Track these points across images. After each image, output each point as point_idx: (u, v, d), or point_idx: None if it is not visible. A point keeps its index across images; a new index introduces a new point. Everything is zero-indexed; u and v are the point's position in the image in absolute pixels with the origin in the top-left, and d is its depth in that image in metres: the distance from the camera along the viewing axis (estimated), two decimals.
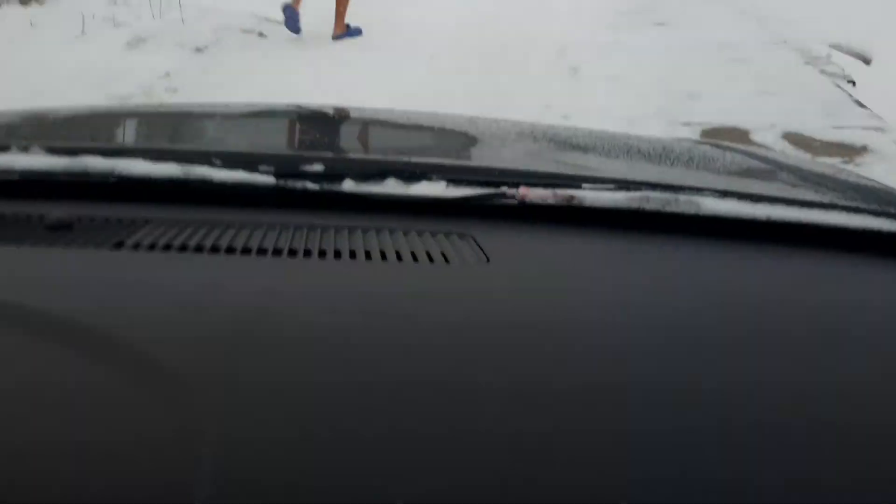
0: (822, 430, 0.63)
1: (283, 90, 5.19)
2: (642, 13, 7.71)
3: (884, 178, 3.74)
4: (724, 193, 1.00)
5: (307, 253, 0.88)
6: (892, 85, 5.37)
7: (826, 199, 1.12)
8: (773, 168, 1.46)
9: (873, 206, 1.08)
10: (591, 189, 1.00)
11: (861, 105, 4.84)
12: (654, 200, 0.98)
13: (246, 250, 0.88)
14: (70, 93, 4.78)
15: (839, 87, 5.24)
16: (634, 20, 7.43)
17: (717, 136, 4.34)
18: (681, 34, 6.78)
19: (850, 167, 3.89)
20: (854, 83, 5.33)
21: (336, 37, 6.85)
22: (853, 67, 5.74)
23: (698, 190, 1.01)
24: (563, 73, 5.71)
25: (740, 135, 4.35)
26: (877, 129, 4.40)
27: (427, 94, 5.03)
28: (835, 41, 6.26)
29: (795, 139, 4.26)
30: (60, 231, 0.91)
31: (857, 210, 1.01)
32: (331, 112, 1.79)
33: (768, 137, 4.29)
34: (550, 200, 0.99)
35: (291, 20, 6.63)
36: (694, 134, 4.37)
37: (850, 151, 4.10)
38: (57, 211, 0.94)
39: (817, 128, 4.42)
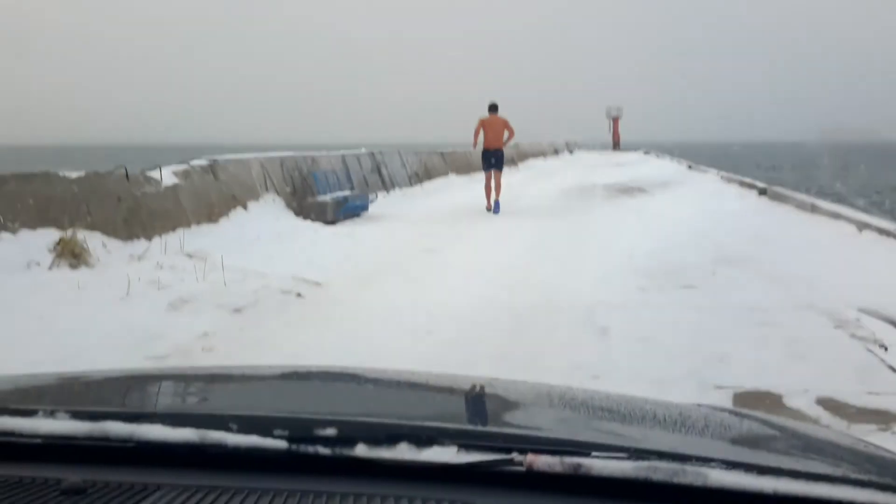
0: None
1: (317, 347, 5.30)
2: (670, 275, 7.90)
3: None
4: (732, 465, 0.99)
5: None
6: None
7: (837, 471, 1.10)
8: (790, 437, 1.45)
9: (883, 480, 1.05)
10: (599, 458, 1.01)
11: (895, 371, 4.79)
12: (661, 471, 0.98)
13: None
14: (108, 353, 4.93)
15: (871, 351, 5.21)
16: (663, 282, 7.60)
17: (750, 400, 4.28)
18: (709, 297, 6.90)
19: (887, 435, 3.78)
20: (886, 348, 5.30)
21: (494, 207, 14.68)
22: (884, 332, 5.74)
23: (706, 460, 1.01)
24: (593, 332, 5.78)
25: (773, 399, 4.30)
26: None
27: (457, 356, 5.10)
28: (863, 305, 6.31)
29: (830, 405, 4.19)
30: (74, 496, 0.94)
31: (865, 484, 0.99)
32: (348, 373, 1.82)
33: (802, 403, 4.22)
34: (558, 468, 1.01)
35: (496, 209, 14.58)
36: (726, 398, 4.32)
37: (886, 418, 4.00)
38: (74, 475, 0.98)
39: (851, 393, 4.34)
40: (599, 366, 4.92)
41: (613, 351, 5.32)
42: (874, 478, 1.08)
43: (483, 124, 14.85)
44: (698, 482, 0.97)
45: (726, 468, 0.99)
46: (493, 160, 14.90)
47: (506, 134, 15.00)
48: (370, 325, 5.95)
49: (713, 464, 1.00)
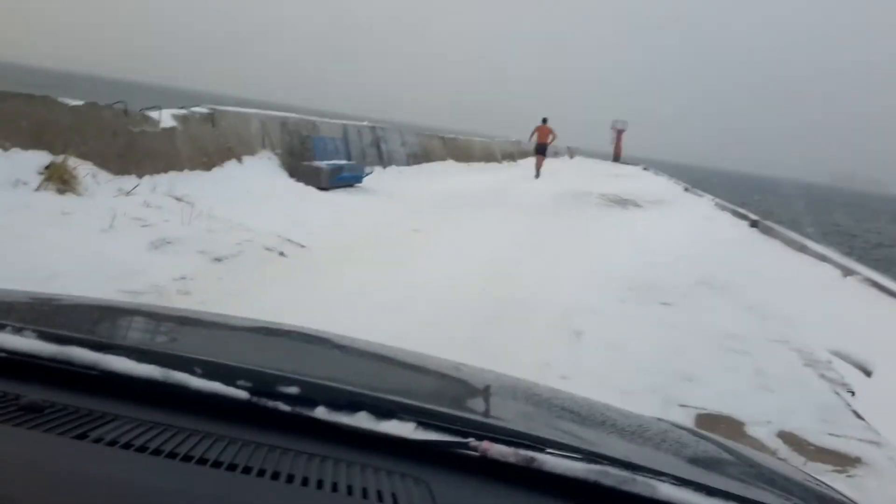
0: None
1: (291, 308, 5.28)
2: (651, 290, 7.92)
3: (875, 493, 3.66)
4: (683, 482, 1.00)
5: (261, 472, 0.89)
6: (891, 400, 5.39)
7: (779, 502, 1.11)
8: (743, 464, 1.46)
9: None
10: (553, 454, 1.02)
11: (859, 416, 4.82)
12: (612, 476, 0.99)
13: (202, 460, 0.89)
14: (83, 281, 4.89)
15: (838, 394, 5.25)
16: (642, 296, 7.62)
17: (712, 423, 4.30)
18: (685, 317, 6.93)
19: (842, 477, 3.81)
20: (853, 393, 5.34)
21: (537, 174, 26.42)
22: (853, 377, 5.78)
23: (658, 473, 1.01)
24: (566, 335, 5.79)
25: (734, 426, 4.32)
26: (872, 442, 4.35)
27: (428, 337, 5.09)
28: (835, 348, 6.35)
29: (790, 440, 4.21)
30: (31, 413, 0.93)
31: None
32: (318, 336, 1.81)
33: (763, 433, 4.24)
34: (511, 459, 1.01)
35: (538, 175, 26.30)
36: (689, 417, 4.34)
37: (843, 461, 4.03)
38: (33, 394, 0.97)
39: (813, 432, 4.37)
40: (569, 367, 4.94)
41: (584, 355, 5.33)
42: None
43: (537, 129, 26.81)
44: (647, 493, 0.98)
45: (677, 484, 1.00)
46: (541, 149, 26.84)
47: (550, 137, 26.73)
48: (348, 294, 5.94)
49: (664, 478, 1.00)
